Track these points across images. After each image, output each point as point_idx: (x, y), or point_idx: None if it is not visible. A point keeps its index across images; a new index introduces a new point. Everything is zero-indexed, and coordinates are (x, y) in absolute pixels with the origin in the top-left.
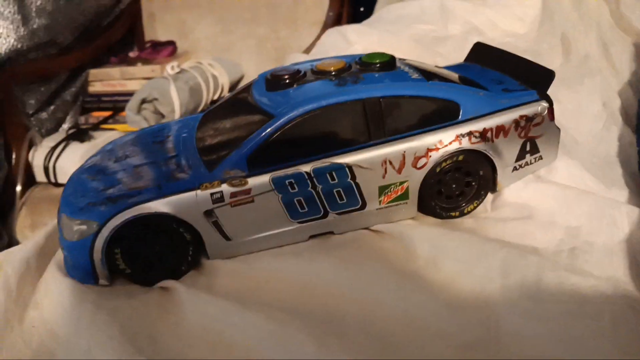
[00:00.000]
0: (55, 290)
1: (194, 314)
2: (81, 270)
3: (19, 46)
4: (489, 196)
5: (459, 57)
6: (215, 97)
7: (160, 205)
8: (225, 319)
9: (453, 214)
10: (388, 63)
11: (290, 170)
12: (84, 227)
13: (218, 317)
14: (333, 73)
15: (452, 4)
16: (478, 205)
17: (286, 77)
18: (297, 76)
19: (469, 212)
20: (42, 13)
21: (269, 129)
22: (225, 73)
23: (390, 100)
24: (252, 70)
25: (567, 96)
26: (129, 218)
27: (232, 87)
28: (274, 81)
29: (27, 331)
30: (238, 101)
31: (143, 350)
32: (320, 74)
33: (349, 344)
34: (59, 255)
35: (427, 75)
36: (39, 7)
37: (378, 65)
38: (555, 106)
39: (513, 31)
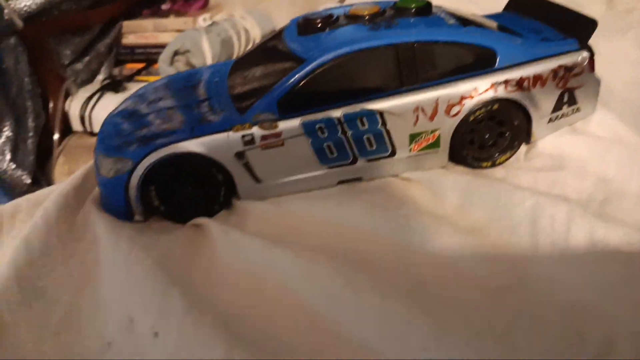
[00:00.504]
0: (93, 225)
1: (225, 251)
2: (117, 206)
3: None
4: (522, 147)
5: (496, 7)
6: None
7: (193, 146)
8: (255, 256)
9: (485, 164)
10: (423, 8)
11: (320, 115)
12: (119, 164)
13: (249, 254)
14: (366, 18)
15: None
16: (511, 156)
17: (318, 21)
18: (329, 20)
19: (501, 163)
20: None
21: (300, 73)
22: (257, 26)
23: (424, 45)
24: (283, 23)
25: (607, 47)
26: (162, 157)
27: None
28: (306, 26)
29: (68, 261)
30: (270, 47)
31: (177, 283)
32: (353, 18)
33: (377, 282)
34: (97, 192)
35: (464, 22)
36: None
37: (413, 10)
38: (595, 57)
39: None
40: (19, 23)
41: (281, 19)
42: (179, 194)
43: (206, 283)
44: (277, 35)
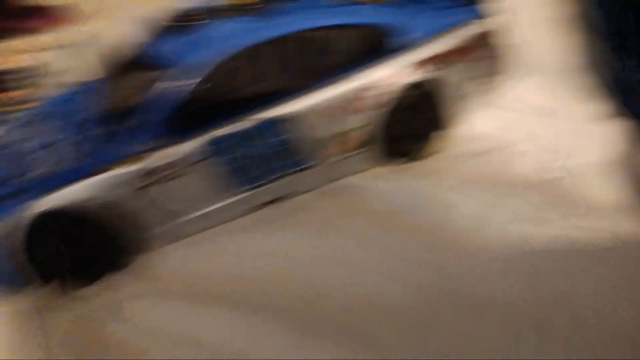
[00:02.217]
0: None
1: (140, 324)
2: None
3: None
4: (448, 133)
5: None
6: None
7: (74, 193)
8: (175, 322)
9: (405, 158)
10: None
11: (220, 133)
12: None
13: (166, 324)
14: (241, 9)
15: None
16: (432, 145)
17: (188, 17)
18: (200, 16)
19: (422, 156)
20: None
21: (176, 85)
22: (111, 37)
23: (312, 33)
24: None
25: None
26: (43, 212)
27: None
28: (173, 25)
29: None
30: (137, 61)
31: None
32: (225, 11)
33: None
34: None
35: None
36: None
37: None
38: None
39: None
40: None
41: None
42: (60, 260)
43: None
44: (142, 45)
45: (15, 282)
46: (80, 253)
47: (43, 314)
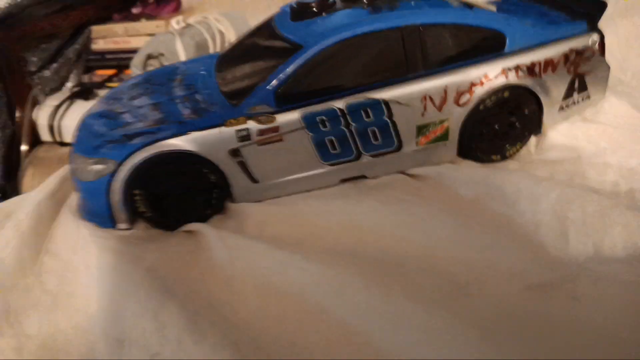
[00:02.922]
0: (71, 237)
1: (226, 257)
2: (98, 213)
3: (19, 0)
4: (533, 138)
5: None
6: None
7: (182, 143)
8: (260, 260)
9: (494, 157)
10: None
11: (321, 107)
12: (100, 166)
13: (253, 259)
14: (366, 0)
15: None
16: (521, 147)
17: (314, 5)
18: (325, 4)
19: (511, 156)
20: None
21: (297, 60)
22: (231, 28)
23: (430, 28)
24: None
25: (610, 34)
26: (149, 155)
27: None
28: (300, 10)
29: (42, 277)
30: (259, 37)
31: (173, 297)
32: (351, 1)
33: (406, 286)
34: (73, 199)
35: (469, 5)
36: None
37: None
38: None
39: None
40: None
41: (256, 21)
42: (167, 197)
43: (207, 290)
44: (266, 24)
45: (107, 220)
46: (171, 200)
47: (138, 245)
